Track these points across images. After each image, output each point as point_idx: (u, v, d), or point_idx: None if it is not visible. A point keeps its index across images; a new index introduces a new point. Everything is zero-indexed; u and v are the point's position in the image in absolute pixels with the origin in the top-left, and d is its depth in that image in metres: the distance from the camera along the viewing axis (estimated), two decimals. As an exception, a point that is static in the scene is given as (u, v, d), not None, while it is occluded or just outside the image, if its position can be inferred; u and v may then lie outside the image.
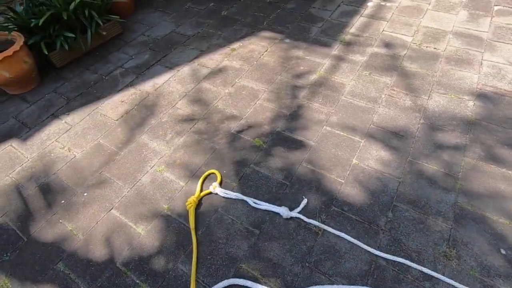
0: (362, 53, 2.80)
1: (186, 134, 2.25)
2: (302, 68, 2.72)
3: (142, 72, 2.85)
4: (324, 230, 1.64)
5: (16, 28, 2.72)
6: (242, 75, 2.71)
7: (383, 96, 2.37)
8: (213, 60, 2.90)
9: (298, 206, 1.75)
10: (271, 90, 2.54)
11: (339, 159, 1.98)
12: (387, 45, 2.87)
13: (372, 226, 1.64)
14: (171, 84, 2.69)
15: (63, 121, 2.44)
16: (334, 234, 1.62)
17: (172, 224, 1.75)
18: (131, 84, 2.73)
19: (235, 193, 1.83)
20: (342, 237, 1.60)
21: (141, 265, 1.60)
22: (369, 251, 1.54)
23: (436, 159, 1.91)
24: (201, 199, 1.85)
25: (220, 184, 1.91)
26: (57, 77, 2.88)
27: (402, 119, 2.18)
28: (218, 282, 1.50)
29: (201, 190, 1.88)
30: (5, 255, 1.68)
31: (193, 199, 1.78)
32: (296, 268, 1.52)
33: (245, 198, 1.80)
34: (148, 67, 2.90)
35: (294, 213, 1.70)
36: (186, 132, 2.27)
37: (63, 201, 1.91)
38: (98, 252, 1.66)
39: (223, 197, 1.84)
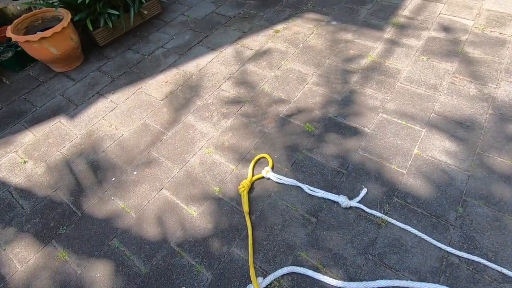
0: (418, 37, 2.60)
1: (233, 117, 2.18)
2: (352, 51, 2.57)
3: (184, 53, 2.78)
4: (388, 222, 1.54)
5: (62, 5, 2.71)
6: (288, 57, 2.59)
7: (444, 83, 2.20)
8: (256, 41, 2.80)
9: (357, 195, 1.66)
10: (320, 74, 2.41)
11: (398, 149, 1.85)
12: (446, 29, 2.64)
13: (440, 220, 1.53)
14: (214, 65, 2.61)
15: (109, 99, 2.44)
16: (398, 227, 1.52)
17: (225, 207, 1.71)
18: (173, 65, 2.68)
19: (289, 179, 1.75)
20: (408, 231, 1.50)
21: (196, 246, 1.57)
22: (439, 247, 1.43)
23: (509, 153, 1.75)
24: (253, 183, 1.79)
25: (272, 168, 1.84)
26: (100, 56, 2.88)
27: (468, 109, 2.01)
28: (276, 269, 1.44)
29: (253, 174, 1.82)
30: (61, 228, 1.70)
31: (246, 182, 1.73)
32: (359, 260, 1.44)
33: (299, 184, 1.73)
34: (190, 47, 2.84)
35: (354, 203, 1.61)
36: (233, 114, 2.20)
37: (113, 179, 1.91)
38: (151, 231, 1.65)
39: (276, 182, 1.77)
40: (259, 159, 1.90)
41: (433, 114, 2.01)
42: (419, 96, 2.14)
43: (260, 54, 2.66)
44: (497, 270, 1.35)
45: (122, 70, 2.69)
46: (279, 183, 1.77)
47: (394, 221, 1.53)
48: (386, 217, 1.55)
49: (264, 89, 2.35)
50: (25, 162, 2.06)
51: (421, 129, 1.94)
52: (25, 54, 2.71)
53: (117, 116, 2.30)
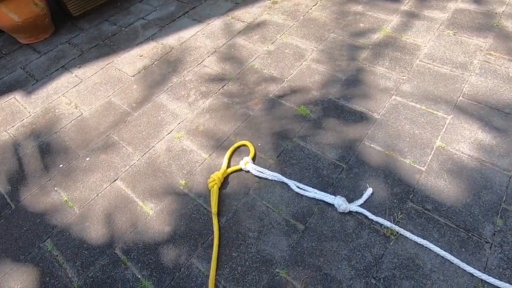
0: (443, 9, 2.16)
1: (213, 96, 1.81)
2: (362, 25, 2.15)
3: (166, 25, 2.42)
4: (399, 234, 1.15)
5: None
6: (285, 31, 2.19)
7: (475, 61, 1.77)
8: (250, 13, 2.40)
9: (359, 197, 1.27)
10: (322, 49, 2.01)
11: (416, 139, 1.45)
12: (477, 0, 2.20)
13: (472, 236, 1.13)
14: (198, 39, 2.24)
15: (74, 74, 2.10)
16: (414, 241, 1.13)
17: (189, 205, 1.35)
18: (152, 38, 2.32)
19: (272, 173, 1.38)
20: (426, 247, 1.10)
21: (146, 255, 1.21)
22: (470, 273, 1.04)
23: None
24: (227, 176, 1.42)
25: (253, 159, 1.46)
26: (73, 28, 2.54)
27: (507, 92, 1.58)
28: (245, 292, 1.08)
29: (229, 166, 1.45)
30: (-13, 224, 1.38)
31: (217, 175, 1.36)
32: (358, 285, 1.06)
33: (285, 180, 1.35)
34: (174, 19, 2.47)
35: (355, 206, 1.22)
36: (213, 93, 1.83)
37: (61, 165, 1.57)
38: (95, 232, 1.30)
39: (257, 176, 1.40)
40: (238, 147, 1.53)
41: (461, 97, 1.59)
42: (443, 76, 1.72)
43: (253, 27, 2.27)
44: (555, 311, 0.95)
45: (94, 43, 2.34)
46: (260, 177, 1.39)
47: (407, 234, 1.14)
48: (397, 228, 1.16)
49: (254, 66, 1.96)
50: (-35, 143, 1.75)
51: (445, 115, 1.53)
52: (-12, 23, 2.39)
53: (79, 93, 1.96)
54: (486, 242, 1.11)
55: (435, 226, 1.16)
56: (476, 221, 1.16)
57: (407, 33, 2.03)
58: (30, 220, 1.38)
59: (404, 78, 1.75)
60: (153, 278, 1.15)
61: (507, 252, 1.08)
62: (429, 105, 1.59)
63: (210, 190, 1.35)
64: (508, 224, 1.15)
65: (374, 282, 1.06)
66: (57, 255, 1.25)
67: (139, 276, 1.16)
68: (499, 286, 0.99)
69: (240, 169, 1.43)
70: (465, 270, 1.05)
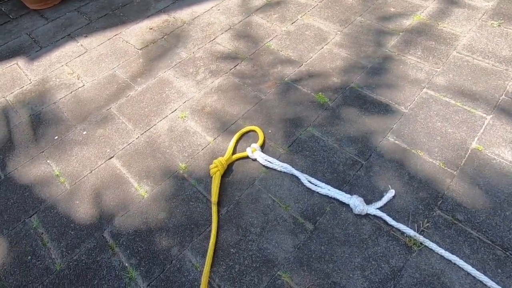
0: (487, -3, 1.93)
1: (223, 76, 1.66)
2: (392, 9, 1.94)
3: (180, -2, 2.26)
4: (424, 245, 1.00)
5: None
6: (307, 11, 2.01)
7: (522, 56, 1.56)
8: (270, -10, 2.22)
9: (379, 199, 1.12)
10: (346, 33, 1.82)
11: (448, 139, 1.27)
12: (528, -11, 1.95)
13: (510, 255, 0.97)
14: (213, 14, 2.08)
15: (79, 43, 1.98)
16: (440, 255, 0.97)
17: (187, 191, 1.22)
18: (164, 10, 2.16)
19: (282, 163, 1.23)
20: (455, 264, 0.95)
21: (136, 242, 1.10)
22: (506, 299, 0.89)
23: None
24: (232, 163, 1.28)
25: (262, 147, 1.32)
26: (83, -5, 2.41)
27: (559, 93, 1.38)
28: (241, 294, 0.96)
29: (234, 152, 1.31)
30: (-26, 193, 1.30)
31: (220, 161, 1.22)
32: (370, 299, 0.92)
33: (296, 172, 1.20)
34: (189, -8, 2.31)
35: (373, 209, 1.07)
36: (224, 73, 1.68)
37: (56, 137, 1.47)
38: (84, 212, 1.20)
39: (264, 166, 1.26)
40: (246, 132, 1.39)
41: (504, 96, 1.40)
42: (484, 71, 1.52)
43: (272, 5, 2.08)
44: None
45: (103, 12, 2.21)
46: (267, 167, 1.25)
47: (433, 246, 0.98)
48: (421, 238, 1.00)
49: (270, 46, 1.80)
50: (-38, 107, 1.66)
51: (484, 114, 1.34)
52: (-4, -15, 2.30)
53: (83, 63, 1.84)
54: (527, 264, 0.95)
55: (466, 240, 1.00)
56: (515, 238, 1.00)
57: (444, 21, 1.81)
58: (18, 192, 1.28)
59: (438, 70, 1.55)
60: (141, 268, 1.04)
61: (552, 278, 0.92)
62: (466, 102, 1.40)
63: (211, 177, 1.22)
64: (554, 245, 0.98)
65: (390, 297, 0.92)
66: (42, 233, 1.16)
67: (127, 265, 1.05)
68: (542, 318, 0.84)
69: (247, 157, 1.29)
70: (500, 295, 0.89)
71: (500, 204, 1.08)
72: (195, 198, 1.20)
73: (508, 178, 1.14)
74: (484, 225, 1.03)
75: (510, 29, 1.71)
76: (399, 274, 0.96)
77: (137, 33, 2.01)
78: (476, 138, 1.27)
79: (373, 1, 2.02)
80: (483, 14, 1.82)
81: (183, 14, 2.11)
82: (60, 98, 1.65)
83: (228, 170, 1.27)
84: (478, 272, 0.92)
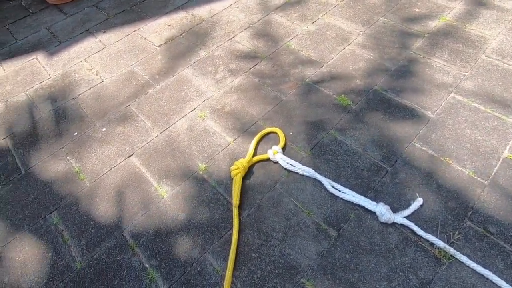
0: (517, -2, 1.86)
1: (243, 75, 1.64)
2: (417, 10, 1.88)
3: (198, -6, 2.24)
4: (454, 258, 0.96)
5: None
6: (328, 10, 1.96)
7: (556, 62, 1.49)
8: (290, -11, 2.18)
9: (406, 207, 1.08)
10: (369, 33, 1.77)
11: (478, 147, 1.23)
12: (561, -9, 1.87)
13: (546, 271, 0.93)
14: (232, 12, 2.05)
15: (98, 39, 1.98)
16: (471, 269, 0.94)
17: (207, 192, 1.21)
18: (183, 7, 2.15)
19: (304, 167, 1.20)
20: (487, 279, 0.91)
21: (156, 242, 1.09)
22: (544, 319, 0.84)
23: None
24: (253, 165, 1.26)
25: (283, 149, 1.30)
26: (102, -9, 2.41)
27: None
28: (264, 301, 0.94)
29: (255, 154, 1.29)
30: (-5, 187, 1.30)
31: (242, 163, 1.20)
32: (398, 312, 0.89)
33: (319, 177, 1.18)
34: (207, -11, 2.28)
35: (400, 218, 1.04)
36: (243, 72, 1.65)
37: (76, 133, 1.47)
38: (104, 210, 1.20)
39: (286, 169, 1.23)
40: (267, 134, 1.36)
41: (537, 103, 1.34)
42: (515, 76, 1.46)
43: (292, 3, 2.04)
44: None
45: (121, 8, 2.20)
46: (289, 170, 1.23)
47: (464, 259, 0.95)
48: (451, 250, 0.96)
49: (290, 46, 1.76)
50: (-17, 100, 1.68)
51: (516, 122, 1.29)
52: (16, -21, 2.31)
53: (101, 59, 1.83)
54: None
55: (499, 253, 0.96)
56: (552, 254, 0.95)
57: (472, 23, 1.75)
58: (39, 188, 1.29)
59: (466, 74, 1.50)
60: (162, 270, 1.03)
61: None
62: (496, 108, 1.34)
63: (232, 179, 1.20)
64: None
65: (419, 311, 0.89)
66: (63, 230, 1.16)
67: (147, 266, 1.04)
68: None
69: (268, 159, 1.26)
70: (536, 313, 0.85)
71: (534, 217, 1.03)
72: (215, 200, 1.18)
73: (542, 190, 1.09)
74: (518, 238, 0.99)
75: (542, 32, 1.64)
76: (428, 287, 0.92)
77: (156, 29, 1.99)
78: (508, 147, 1.22)
79: (397, 1, 1.96)
80: (514, 17, 1.75)
81: (202, 11, 2.09)
82: (79, 94, 1.65)
83: (249, 172, 1.24)
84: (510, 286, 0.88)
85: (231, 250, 1.03)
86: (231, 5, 2.11)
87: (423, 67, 1.57)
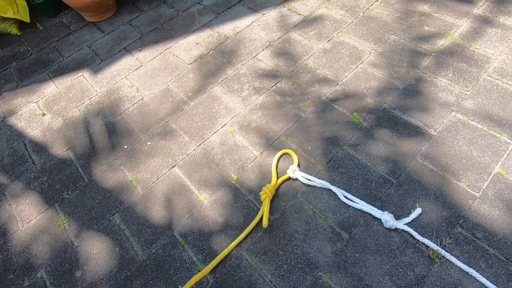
0: (522, 16, 1.98)
1: (266, 93, 1.85)
2: (427, 28, 2.03)
3: (222, 12, 2.44)
4: (445, 258, 1.18)
5: None
6: (342, 28, 2.13)
7: (552, 82, 1.64)
8: (307, 5, 2.35)
9: (407, 215, 1.30)
10: (380, 52, 1.94)
11: (473, 162, 1.42)
12: None
13: (521, 271, 1.13)
14: (253, 30, 2.25)
15: (135, 57, 2.22)
16: (459, 267, 1.15)
17: (240, 200, 1.45)
18: (208, 25, 2.36)
19: (321, 181, 1.43)
20: (472, 276, 1.13)
21: (201, 241, 1.35)
22: (514, 308, 1.06)
23: None
24: (278, 188, 1.48)
25: (298, 166, 1.52)
26: (133, 9, 2.63)
27: None
28: (290, 289, 1.19)
29: (277, 176, 1.51)
30: (66, 192, 1.59)
31: (269, 188, 1.40)
32: (397, 300, 1.13)
33: (333, 188, 1.40)
34: (229, 6, 2.47)
35: (402, 224, 1.26)
36: (266, 90, 1.87)
37: (126, 146, 1.73)
38: (156, 213, 1.46)
39: (305, 184, 1.46)
40: (282, 155, 1.58)
41: (530, 122, 1.51)
42: (512, 95, 1.62)
43: (309, 21, 2.22)
44: None
45: (153, 26, 2.43)
46: (308, 185, 1.45)
47: (453, 259, 1.16)
48: (443, 251, 1.18)
49: (308, 64, 1.96)
50: (43, 115, 1.96)
51: (509, 140, 1.46)
52: (59, 0, 2.56)
53: (140, 77, 2.08)
54: (536, 280, 1.11)
55: (483, 255, 1.18)
56: (527, 257, 1.16)
57: (477, 42, 1.89)
58: (101, 193, 1.56)
59: (468, 93, 1.67)
60: (207, 263, 1.29)
61: (557, 293, 1.08)
62: (492, 127, 1.52)
63: (262, 202, 1.42)
64: (562, 264, 1.13)
65: (414, 300, 1.12)
66: (124, 229, 1.43)
67: (195, 259, 1.31)
68: (543, 325, 1.01)
69: (289, 178, 1.49)
70: (509, 304, 1.07)
71: (516, 225, 1.23)
72: (247, 206, 1.43)
73: (526, 202, 1.28)
74: (500, 243, 1.20)
75: (543, 52, 1.78)
76: (422, 281, 1.15)
77: (185, 48, 2.22)
78: (499, 163, 1.40)
79: (408, 18, 2.11)
80: (517, 35, 1.88)
81: (226, 29, 2.30)
82: (125, 110, 1.91)
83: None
84: (491, 284, 1.09)
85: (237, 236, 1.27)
86: (252, 22, 2.31)
87: (428, 86, 1.74)
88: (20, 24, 2.59)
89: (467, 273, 1.14)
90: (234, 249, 1.31)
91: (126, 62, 2.20)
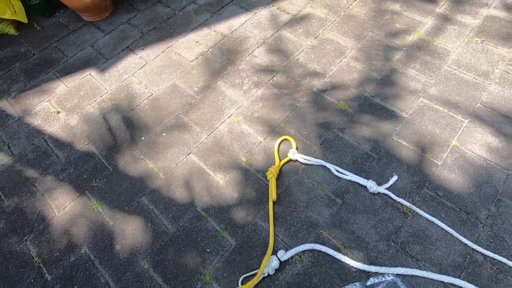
0: (475, 14, 2.34)
1: (264, 86, 2.11)
2: (398, 25, 2.35)
3: (216, 11, 2.63)
4: (415, 212, 1.53)
5: None
6: (327, 26, 2.41)
7: (497, 71, 2.01)
8: (294, 5, 2.60)
9: (387, 182, 1.63)
10: (360, 48, 2.25)
11: (436, 138, 1.77)
12: (509, 7, 2.36)
13: (470, 217, 1.50)
14: (247, 28, 2.47)
15: (138, 55, 2.38)
16: (425, 218, 1.50)
17: (251, 178, 1.72)
18: (205, 24, 2.55)
19: (316, 159, 1.73)
20: (434, 223, 1.48)
21: (221, 213, 1.62)
22: (465, 243, 1.43)
23: (557, 155, 1.65)
24: (281, 168, 1.76)
25: (297, 149, 1.81)
26: (130, 8, 2.76)
27: (519, 102, 1.86)
28: (298, 244, 1.49)
29: (279, 158, 1.78)
30: (94, 181, 1.78)
31: (274, 169, 1.68)
32: (380, 246, 1.46)
33: (327, 165, 1.70)
34: (223, 6, 2.67)
35: (382, 189, 1.59)
36: (264, 84, 2.12)
37: (143, 138, 1.94)
38: (179, 194, 1.71)
39: (303, 163, 1.75)
40: (282, 141, 1.85)
41: (479, 104, 1.88)
42: (466, 83, 1.98)
43: (297, 20, 2.48)
44: (521, 273, 1.34)
45: (152, 25, 2.59)
46: (306, 164, 1.75)
47: (421, 212, 1.51)
48: (414, 207, 1.53)
49: (299, 60, 2.23)
50: (58, 113, 2.11)
51: (463, 119, 1.83)
52: (55, 0, 2.64)
53: (146, 74, 2.26)
54: (480, 223, 1.48)
55: (443, 208, 1.53)
56: (475, 207, 1.52)
57: (439, 37, 2.24)
58: (126, 180, 1.78)
59: (432, 82, 2.01)
60: (228, 230, 1.56)
61: (495, 231, 1.46)
62: (451, 109, 1.88)
63: (269, 180, 1.69)
64: (500, 211, 1.51)
65: (393, 244, 1.46)
66: (153, 209, 1.67)
67: (218, 228, 1.58)
68: (484, 253, 1.38)
69: (290, 160, 1.77)
70: (461, 241, 1.43)
71: (467, 184, 1.60)
72: (257, 183, 1.71)
73: (475, 167, 1.65)
74: (455, 198, 1.56)
75: (490, 45, 2.15)
76: (399, 230, 1.49)
77: (186, 46, 2.41)
78: (456, 138, 1.76)
79: (382, 16, 2.42)
80: (470, 31, 2.25)
81: (222, 28, 2.50)
82: (137, 105, 2.10)
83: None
84: (448, 228, 1.45)
85: (270, 234, 1.56)
86: (246, 21, 2.53)
87: (401, 76, 2.07)
88: (17, 24, 2.65)
89: (432, 221, 1.49)
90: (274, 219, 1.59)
91: (131, 61, 2.36)
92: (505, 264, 1.36)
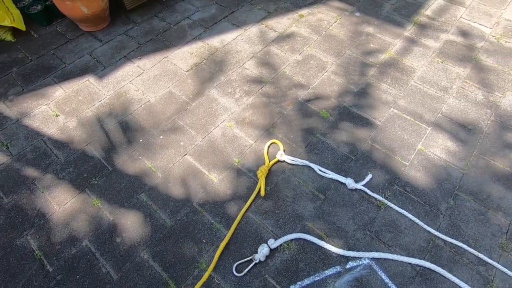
0: (436, 38, 2.71)
1: (254, 95, 2.32)
2: (372, 45, 2.67)
3: (209, 27, 2.85)
4: (387, 205, 1.75)
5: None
6: (310, 43, 2.69)
7: (454, 86, 2.34)
8: (280, 24, 2.87)
9: (363, 179, 1.85)
10: (339, 64, 2.53)
11: (404, 143, 2.03)
12: (464, 34, 2.75)
13: (432, 209, 1.74)
14: (238, 43, 2.70)
15: (135, 64, 2.54)
16: (395, 210, 1.73)
17: (243, 177, 1.89)
18: (199, 37, 2.75)
19: (301, 160, 1.93)
20: (403, 214, 1.71)
21: (216, 208, 1.77)
22: (428, 231, 1.65)
23: (503, 158, 1.94)
24: (270, 167, 1.94)
25: (284, 151, 2.01)
26: (127, 20, 2.93)
27: (472, 113, 2.18)
28: (286, 234, 1.66)
29: (269, 159, 1.97)
30: (94, 179, 1.88)
31: (264, 168, 1.86)
32: (358, 234, 1.66)
33: (311, 165, 1.91)
34: (216, 22, 2.90)
35: (359, 186, 1.81)
36: (254, 93, 2.33)
37: (141, 140, 2.07)
38: (176, 191, 1.84)
39: (290, 163, 1.95)
40: (270, 144, 2.05)
41: (440, 114, 2.18)
42: (429, 96, 2.29)
43: (284, 37, 2.74)
44: (474, 255, 1.58)
45: (148, 37, 2.76)
46: (292, 164, 1.94)
47: (392, 205, 1.74)
48: (386, 201, 1.75)
49: (285, 72, 2.47)
50: (57, 116, 2.20)
51: (427, 127, 2.11)
52: (53, 10, 2.76)
53: (143, 82, 2.41)
54: (441, 214, 1.72)
55: (410, 201, 1.77)
56: (436, 200, 1.77)
57: (407, 57, 2.57)
58: (126, 179, 1.89)
59: (401, 94, 2.31)
60: (223, 222, 1.71)
61: (453, 220, 1.70)
62: (417, 118, 2.16)
63: (259, 179, 1.87)
64: (457, 204, 1.76)
65: (369, 233, 1.66)
66: (151, 204, 1.79)
67: (213, 221, 1.72)
68: (444, 238, 1.62)
69: (278, 161, 1.97)
70: (425, 229, 1.66)
71: (430, 181, 1.85)
72: (249, 181, 1.87)
73: (437, 167, 1.91)
74: (421, 193, 1.80)
75: (448, 65, 2.49)
76: (373, 221, 1.70)
77: (181, 57, 2.59)
78: (421, 142, 2.03)
79: (358, 37, 2.74)
80: (433, 53, 2.59)
81: (215, 42, 2.72)
82: (134, 110, 2.23)
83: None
84: (414, 218, 1.68)
85: (245, 206, 1.73)
86: (237, 36, 2.76)
87: (374, 89, 2.35)
88: (14, 31, 2.73)
89: (401, 213, 1.72)
90: (244, 213, 1.75)
91: (129, 69, 2.50)
92: (461, 247, 1.60)
